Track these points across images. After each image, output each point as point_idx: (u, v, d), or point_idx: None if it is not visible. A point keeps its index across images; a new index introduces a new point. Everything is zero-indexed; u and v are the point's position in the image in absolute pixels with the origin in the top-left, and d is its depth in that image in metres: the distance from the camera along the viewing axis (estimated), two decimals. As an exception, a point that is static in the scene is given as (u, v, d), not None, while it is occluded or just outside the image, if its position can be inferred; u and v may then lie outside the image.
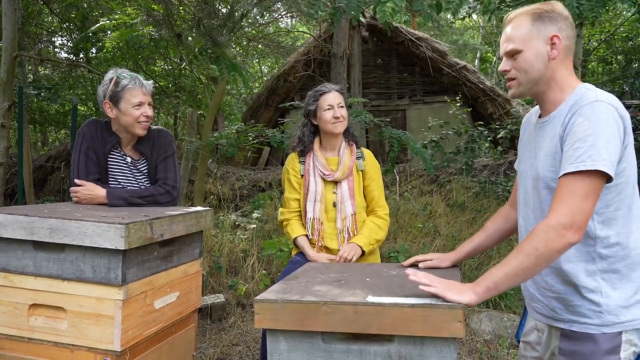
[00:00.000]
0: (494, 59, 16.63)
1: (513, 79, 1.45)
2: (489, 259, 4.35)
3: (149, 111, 2.17)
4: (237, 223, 5.58)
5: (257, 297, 1.38)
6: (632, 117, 5.00)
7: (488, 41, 16.93)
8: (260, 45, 9.10)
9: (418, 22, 12.90)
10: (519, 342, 1.65)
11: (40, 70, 10.57)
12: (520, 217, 1.55)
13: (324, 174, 2.44)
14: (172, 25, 4.82)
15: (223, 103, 10.53)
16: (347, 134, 2.52)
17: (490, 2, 4.15)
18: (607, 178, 1.28)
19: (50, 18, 8.49)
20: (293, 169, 2.53)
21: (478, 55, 17.04)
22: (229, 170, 8.42)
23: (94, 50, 6.77)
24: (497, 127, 6.65)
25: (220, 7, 5.68)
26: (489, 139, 6.77)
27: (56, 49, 8.86)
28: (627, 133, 1.33)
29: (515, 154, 3.95)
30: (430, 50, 9.47)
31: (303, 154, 2.52)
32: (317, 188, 2.44)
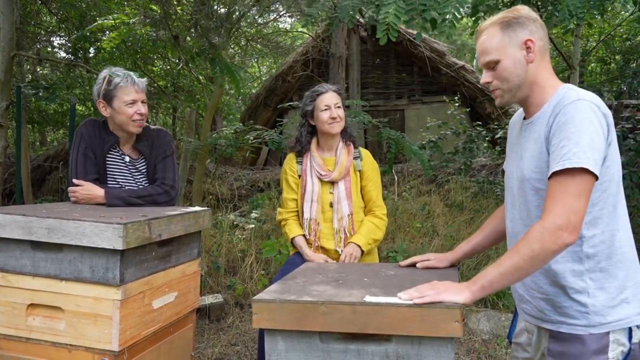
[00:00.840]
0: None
1: (496, 89, 1.47)
2: (487, 259, 4.35)
3: (143, 109, 2.15)
4: (235, 223, 5.57)
5: (255, 297, 1.38)
6: (630, 117, 5.01)
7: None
8: (258, 45, 9.09)
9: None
10: (510, 342, 1.65)
11: (38, 69, 10.53)
12: (508, 219, 1.55)
13: (321, 175, 2.44)
14: (169, 27, 4.81)
15: (222, 103, 10.52)
16: (345, 134, 2.52)
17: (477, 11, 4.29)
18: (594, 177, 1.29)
19: (48, 17, 8.47)
20: (290, 169, 2.53)
21: (476, 55, 17.03)
22: (228, 170, 8.41)
23: (92, 50, 6.75)
24: (495, 127, 6.64)
25: (218, 8, 5.67)
26: (487, 139, 6.77)
27: (55, 49, 8.84)
28: (610, 131, 1.34)
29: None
30: (429, 50, 9.48)
31: (301, 154, 2.52)
32: (314, 188, 2.44)
